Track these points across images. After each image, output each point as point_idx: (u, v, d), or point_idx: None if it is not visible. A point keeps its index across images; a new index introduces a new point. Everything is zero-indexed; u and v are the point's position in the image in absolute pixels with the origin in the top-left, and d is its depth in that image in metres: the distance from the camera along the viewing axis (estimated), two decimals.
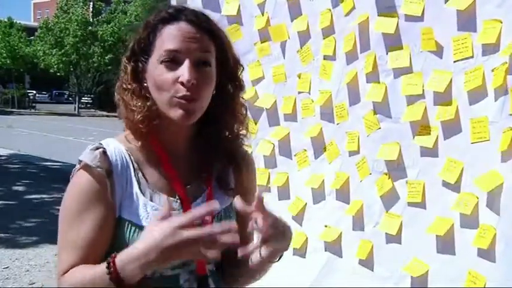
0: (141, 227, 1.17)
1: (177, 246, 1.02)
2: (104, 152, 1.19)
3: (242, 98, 1.34)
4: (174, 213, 1.19)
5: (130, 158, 1.22)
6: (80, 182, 1.18)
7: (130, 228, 1.18)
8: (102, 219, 1.17)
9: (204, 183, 1.28)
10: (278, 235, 1.16)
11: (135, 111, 1.22)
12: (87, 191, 1.17)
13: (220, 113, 1.29)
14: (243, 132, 1.35)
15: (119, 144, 1.23)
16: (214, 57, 1.23)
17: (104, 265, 1.09)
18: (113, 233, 1.19)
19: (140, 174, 1.22)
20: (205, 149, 1.31)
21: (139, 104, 1.22)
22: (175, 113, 1.18)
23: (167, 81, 1.17)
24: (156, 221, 1.06)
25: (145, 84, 1.23)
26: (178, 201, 1.22)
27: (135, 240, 1.15)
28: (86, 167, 1.18)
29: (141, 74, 1.23)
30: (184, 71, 1.16)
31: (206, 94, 1.21)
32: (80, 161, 1.19)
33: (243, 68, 1.33)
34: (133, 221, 1.18)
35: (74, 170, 1.21)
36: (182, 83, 1.16)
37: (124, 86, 1.25)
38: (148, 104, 1.21)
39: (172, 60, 1.17)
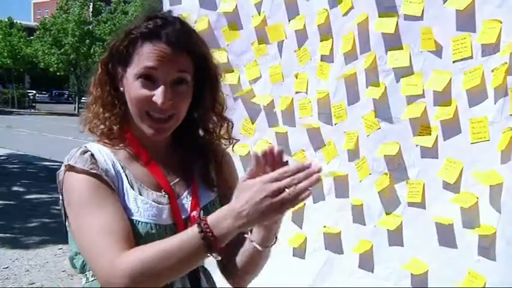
0: (131, 221, 1.18)
1: (268, 197, 1.01)
2: (92, 155, 1.21)
3: (220, 96, 1.36)
4: (164, 207, 1.23)
5: (115, 157, 1.25)
6: (82, 179, 1.18)
7: None
8: (120, 207, 1.17)
9: (187, 181, 1.31)
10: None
11: (106, 122, 1.25)
12: (91, 187, 1.17)
13: (198, 116, 1.33)
14: (222, 132, 1.37)
15: (102, 146, 1.26)
16: (192, 73, 1.25)
17: (192, 228, 1.06)
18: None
19: (127, 171, 1.24)
20: (185, 148, 1.35)
21: (107, 115, 1.26)
22: (147, 130, 1.23)
23: (142, 97, 1.20)
24: (245, 180, 1.06)
25: (121, 89, 1.26)
26: (166, 196, 1.24)
27: None
28: (80, 171, 1.18)
29: (119, 80, 1.26)
30: (159, 94, 1.19)
31: (181, 110, 1.25)
32: (68, 165, 1.19)
33: (221, 77, 1.35)
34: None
35: (59, 172, 1.22)
36: (155, 104, 1.19)
37: (95, 93, 1.28)
38: (117, 112, 1.25)
39: (149, 78, 1.20)
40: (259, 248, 1.23)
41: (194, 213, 1.26)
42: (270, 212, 1.02)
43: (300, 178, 1.01)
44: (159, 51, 1.20)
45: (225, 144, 1.39)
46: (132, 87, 1.21)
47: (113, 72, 1.26)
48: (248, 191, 1.03)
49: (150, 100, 1.20)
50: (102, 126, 1.26)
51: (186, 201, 1.28)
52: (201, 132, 1.37)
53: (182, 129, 1.31)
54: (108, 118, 1.26)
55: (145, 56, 1.20)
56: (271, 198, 1.01)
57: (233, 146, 1.42)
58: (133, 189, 1.22)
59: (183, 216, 1.26)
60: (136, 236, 1.17)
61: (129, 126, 1.27)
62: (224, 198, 1.35)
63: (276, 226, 1.21)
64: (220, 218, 1.05)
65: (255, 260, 1.30)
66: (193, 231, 1.06)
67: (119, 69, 1.25)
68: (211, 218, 1.06)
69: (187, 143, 1.35)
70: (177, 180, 1.30)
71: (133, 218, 1.19)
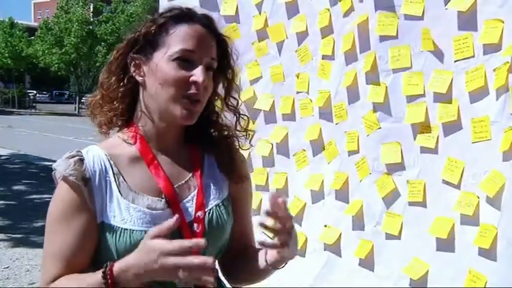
0: (125, 230, 1.18)
1: (160, 270, 1.04)
2: (81, 160, 1.20)
3: (235, 89, 1.36)
4: (160, 213, 1.21)
5: (110, 162, 1.23)
6: (59, 193, 1.20)
7: (115, 232, 1.18)
8: (83, 228, 1.17)
9: (194, 181, 1.29)
10: (291, 242, 1.18)
11: (111, 112, 1.27)
12: (65, 201, 1.18)
13: (211, 108, 1.33)
14: (238, 126, 1.37)
15: (99, 151, 1.24)
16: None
17: (98, 274, 1.09)
18: (97, 238, 1.19)
19: (121, 178, 1.22)
20: (196, 143, 1.34)
21: (116, 104, 1.27)
22: (179, 112, 1.21)
23: (179, 78, 1.19)
24: (150, 237, 1.06)
25: (140, 78, 1.24)
26: (163, 200, 1.23)
27: (120, 243, 1.17)
28: (62, 177, 1.18)
29: (140, 67, 1.24)
30: (199, 73, 1.19)
31: (207, 97, 1.26)
32: (55, 169, 1.20)
33: (234, 71, 1.35)
34: (116, 224, 1.18)
35: (54, 174, 1.22)
36: (195, 83, 1.19)
37: (106, 81, 1.27)
38: (126, 103, 1.27)
39: (185, 59, 1.20)
40: (270, 267, 1.26)
41: (199, 213, 1.25)
42: (159, 276, 1.06)
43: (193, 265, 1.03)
44: (196, 33, 1.21)
45: (242, 137, 1.39)
46: (167, 68, 1.20)
47: (130, 61, 1.25)
48: (142, 255, 1.06)
49: (188, 81, 1.20)
50: (107, 116, 1.28)
51: (191, 203, 1.26)
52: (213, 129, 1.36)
53: (195, 123, 1.29)
54: (114, 108, 1.27)
55: (183, 37, 1.20)
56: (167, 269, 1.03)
57: (250, 140, 1.41)
58: (125, 198, 1.20)
59: (188, 220, 1.24)
60: (132, 245, 1.16)
61: (135, 121, 1.27)
62: (234, 197, 1.36)
63: (291, 255, 1.23)
64: (125, 269, 1.08)
65: (259, 274, 1.33)
66: (97, 277, 1.09)
67: (138, 56, 1.24)
68: (117, 266, 1.08)
69: (199, 138, 1.34)
70: (184, 181, 1.28)
71: (126, 227, 1.18)
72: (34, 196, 8.40)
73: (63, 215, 1.18)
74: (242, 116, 1.38)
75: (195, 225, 1.24)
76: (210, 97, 1.29)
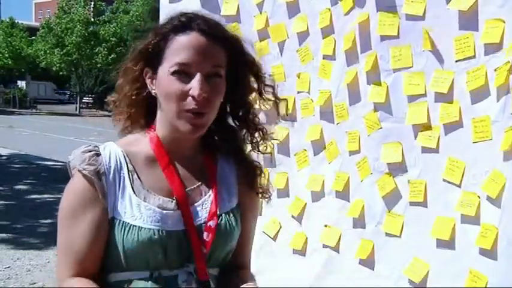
0: (133, 227, 1.19)
1: None
2: (97, 154, 1.21)
3: (264, 76, 1.35)
4: (169, 213, 1.22)
5: (125, 159, 1.24)
6: (72, 186, 1.21)
7: (124, 228, 1.19)
8: (95, 222, 1.18)
9: (208, 187, 1.29)
10: None
11: (130, 119, 1.30)
12: (78, 195, 1.19)
13: (233, 104, 1.32)
14: (256, 136, 1.37)
15: (116, 147, 1.25)
16: (226, 65, 1.24)
17: None
18: (108, 233, 1.20)
19: (135, 176, 1.23)
20: (212, 150, 1.33)
21: (133, 111, 1.30)
22: (184, 127, 1.20)
23: (177, 92, 1.18)
24: None
25: (154, 91, 1.24)
26: (174, 201, 1.23)
27: (127, 239, 1.18)
28: (77, 170, 1.20)
29: (150, 80, 1.25)
30: (195, 85, 1.17)
31: (215, 105, 1.23)
32: (69, 161, 1.22)
33: (255, 63, 1.33)
34: (126, 221, 1.19)
35: (69, 163, 1.24)
36: (193, 97, 1.18)
37: (122, 90, 1.29)
38: (142, 111, 1.29)
39: (183, 72, 1.18)
40: None
41: (211, 223, 1.25)
42: None
43: None
44: (191, 43, 1.19)
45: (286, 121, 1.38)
46: (167, 83, 1.19)
47: (142, 73, 1.26)
48: None
49: (187, 94, 1.18)
50: (123, 115, 1.30)
51: (201, 208, 1.26)
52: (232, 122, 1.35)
53: (211, 130, 1.29)
54: (126, 112, 1.29)
55: (178, 50, 1.19)
56: None
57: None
58: (137, 196, 1.21)
59: (197, 223, 1.24)
60: (138, 243, 1.17)
61: (154, 125, 1.28)
62: (242, 208, 1.35)
63: None
64: None
65: None
66: None
67: (148, 70, 1.25)
68: None
69: (217, 147, 1.33)
70: (197, 185, 1.28)
71: (136, 224, 1.19)
72: (35, 196, 8.39)
73: (76, 208, 1.19)
74: (282, 101, 1.39)
75: (205, 233, 1.24)
76: (240, 96, 1.29)
